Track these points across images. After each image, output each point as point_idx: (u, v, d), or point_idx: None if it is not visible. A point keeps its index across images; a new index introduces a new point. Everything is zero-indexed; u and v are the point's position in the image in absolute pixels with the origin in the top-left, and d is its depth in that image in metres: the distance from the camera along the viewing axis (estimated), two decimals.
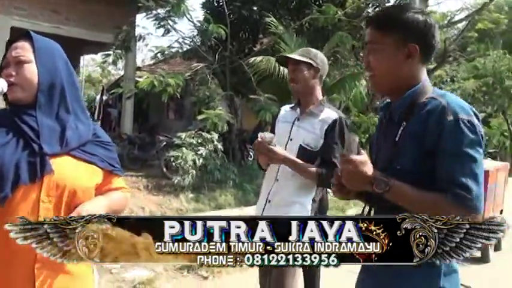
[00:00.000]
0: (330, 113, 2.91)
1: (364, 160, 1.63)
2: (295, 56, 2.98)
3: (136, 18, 12.54)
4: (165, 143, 10.82)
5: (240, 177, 10.15)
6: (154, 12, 10.90)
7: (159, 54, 12.11)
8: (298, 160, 2.82)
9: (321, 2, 11.53)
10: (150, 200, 8.71)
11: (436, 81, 19.34)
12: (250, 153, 11.58)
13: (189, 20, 11.27)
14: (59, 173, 1.64)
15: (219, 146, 9.82)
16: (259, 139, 2.80)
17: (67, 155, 1.69)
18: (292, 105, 3.11)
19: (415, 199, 1.58)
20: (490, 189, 6.64)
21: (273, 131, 3.04)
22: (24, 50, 1.65)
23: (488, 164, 7.51)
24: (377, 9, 12.41)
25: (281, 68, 8.73)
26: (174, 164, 9.31)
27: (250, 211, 8.18)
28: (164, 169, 9.90)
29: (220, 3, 11.27)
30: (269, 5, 11.19)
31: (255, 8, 11.47)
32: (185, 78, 10.55)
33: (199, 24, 11.32)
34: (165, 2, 10.54)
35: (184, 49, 12.12)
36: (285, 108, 3.14)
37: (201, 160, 9.44)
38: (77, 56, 15.25)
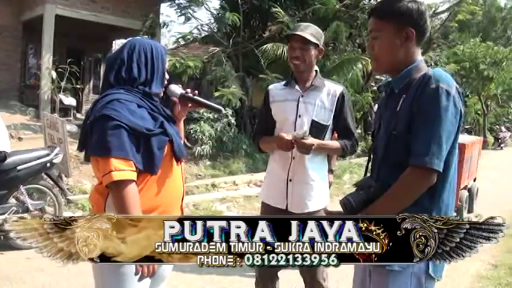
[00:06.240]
0: (333, 86, 2.61)
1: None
2: (307, 35, 2.54)
3: (160, 7, 12.26)
4: (185, 117, 10.65)
5: (250, 147, 9.95)
6: (176, 1, 10.82)
7: (180, 39, 11.94)
8: (325, 142, 2.54)
9: None
10: None
11: None
12: None
13: (207, 9, 11.19)
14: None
15: (232, 121, 9.75)
16: (290, 138, 2.41)
17: None
18: (283, 82, 2.70)
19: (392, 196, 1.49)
20: (466, 160, 6.50)
21: (269, 114, 2.65)
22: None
23: (465, 138, 7.45)
24: (373, 0, 12.01)
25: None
26: (193, 135, 9.24)
27: (259, 176, 8.04)
28: (185, 140, 9.75)
29: None
30: None
31: None
32: (203, 61, 10.40)
33: (215, 13, 11.10)
34: None
35: (203, 35, 11.95)
36: (276, 88, 2.72)
37: (216, 132, 9.40)
38: (110, 40, 15.05)
